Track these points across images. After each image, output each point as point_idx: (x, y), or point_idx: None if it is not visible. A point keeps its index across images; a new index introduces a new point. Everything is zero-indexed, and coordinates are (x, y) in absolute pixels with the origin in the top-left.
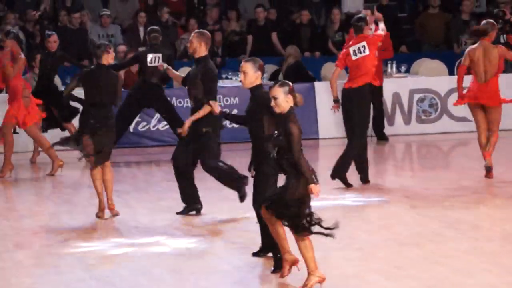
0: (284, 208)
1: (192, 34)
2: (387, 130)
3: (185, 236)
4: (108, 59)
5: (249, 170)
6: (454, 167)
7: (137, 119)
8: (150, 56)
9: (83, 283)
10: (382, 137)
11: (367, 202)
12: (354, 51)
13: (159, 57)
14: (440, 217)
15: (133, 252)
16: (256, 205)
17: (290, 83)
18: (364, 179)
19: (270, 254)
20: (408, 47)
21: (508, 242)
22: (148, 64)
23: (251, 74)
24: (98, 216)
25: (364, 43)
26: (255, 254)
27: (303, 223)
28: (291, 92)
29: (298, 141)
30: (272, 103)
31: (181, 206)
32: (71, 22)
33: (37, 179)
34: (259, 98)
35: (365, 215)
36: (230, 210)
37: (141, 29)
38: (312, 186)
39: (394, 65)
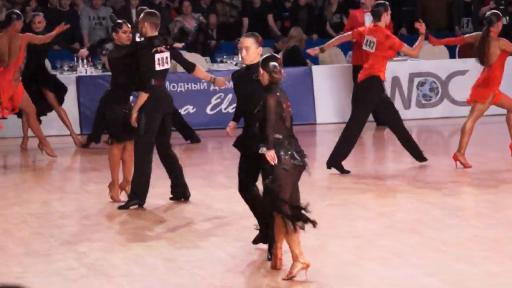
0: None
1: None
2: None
3: (178, 223)
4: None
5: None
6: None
7: None
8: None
9: (75, 271)
10: (381, 123)
11: (366, 189)
12: (366, 41)
13: None
14: (441, 204)
15: (125, 240)
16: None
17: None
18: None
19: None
20: (408, 29)
21: (510, 229)
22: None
23: (253, 49)
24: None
25: (375, 40)
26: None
27: (287, 214)
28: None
29: (273, 113)
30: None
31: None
32: (61, 4)
33: (27, 166)
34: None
35: (364, 202)
36: (225, 198)
37: (133, 11)
38: (266, 152)
39: None
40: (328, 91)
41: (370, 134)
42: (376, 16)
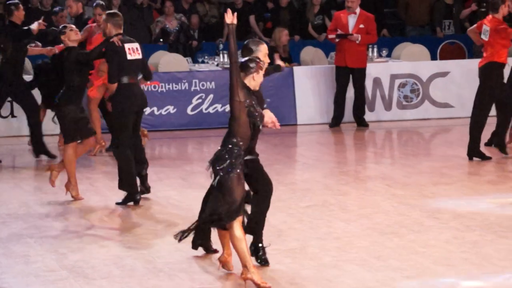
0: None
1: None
2: (367, 116)
3: (158, 225)
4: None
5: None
6: (436, 155)
7: None
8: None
9: (54, 272)
10: (362, 123)
11: (346, 190)
12: (483, 30)
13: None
14: (421, 206)
15: (105, 241)
16: None
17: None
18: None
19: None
20: (390, 31)
21: (489, 231)
22: None
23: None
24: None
25: (489, 29)
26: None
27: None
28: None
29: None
30: None
31: (162, 195)
32: (42, 3)
33: (6, 166)
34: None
35: (343, 203)
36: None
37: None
38: None
39: (375, 49)
40: (309, 92)
41: (351, 135)
42: (494, 8)
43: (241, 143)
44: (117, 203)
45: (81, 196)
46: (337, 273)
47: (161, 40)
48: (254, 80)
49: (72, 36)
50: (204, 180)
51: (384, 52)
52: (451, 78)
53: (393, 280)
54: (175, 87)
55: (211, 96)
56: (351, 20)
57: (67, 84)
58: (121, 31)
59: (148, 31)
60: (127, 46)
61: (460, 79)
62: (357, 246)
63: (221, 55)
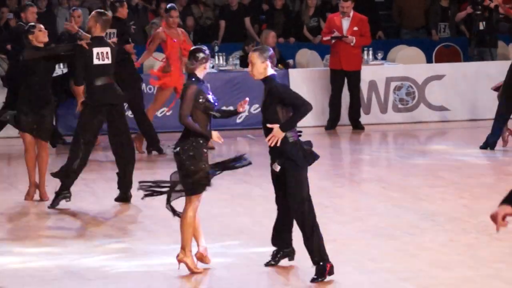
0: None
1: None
2: (363, 118)
3: (155, 225)
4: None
5: (272, 165)
6: (431, 157)
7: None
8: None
9: (49, 273)
10: (357, 126)
11: (341, 193)
12: None
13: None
14: (416, 209)
15: (101, 242)
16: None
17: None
18: None
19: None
20: (385, 34)
21: (484, 234)
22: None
23: (258, 64)
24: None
25: None
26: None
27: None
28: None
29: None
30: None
31: None
32: (37, 5)
33: (6, 168)
34: (272, 90)
35: (338, 206)
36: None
37: (110, 13)
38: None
39: (371, 52)
40: (305, 95)
41: (346, 137)
42: None
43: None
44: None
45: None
46: (332, 275)
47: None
48: (206, 69)
49: (40, 38)
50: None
51: (380, 55)
52: (447, 81)
53: (388, 282)
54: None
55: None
56: (345, 23)
57: (27, 84)
58: (104, 34)
59: (143, 32)
60: (95, 50)
61: (455, 82)
62: (352, 249)
63: (216, 57)
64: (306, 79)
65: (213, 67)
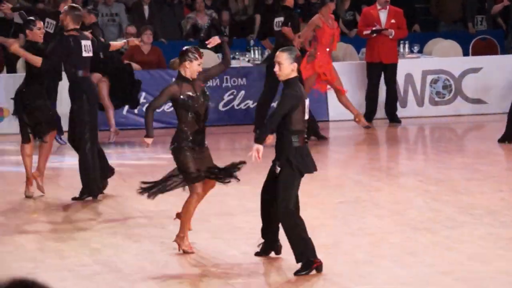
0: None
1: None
2: (400, 112)
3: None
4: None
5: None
6: (469, 151)
7: (142, 100)
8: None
9: (87, 267)
10: (394, 119)
11: (378, 186)
12: None
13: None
14: (454, 202)
15: (138, 236)
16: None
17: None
18: None
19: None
20: (421, 27)
21: None
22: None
23: (286, 65)
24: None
25: None
26: (257, 254)
27: None
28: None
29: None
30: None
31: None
32: (74, 1)
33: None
34: (282, 94)
35: (376, 199)
36: (237, 195)
37: (146, 8)
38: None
39: (407, 45)
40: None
41: (383, 131)
42: None
43: (185, 128)
44: (74, 199)
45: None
46: (370, 269)
47: (192, 36)
48: (187, 68)
49: (36, 37)
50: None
51: (416, 48)
52: (484, 74)
53: (427, 276)
54: (207, 83)
55: (242, 92)
56: (382, 15)
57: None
58: (78, 26)
59: (179, 27)
60: (83, 42)
61: (492, 74)
62: (390, 242)
63: (251, 51)
64: (342, 73)
65: (248, 61)
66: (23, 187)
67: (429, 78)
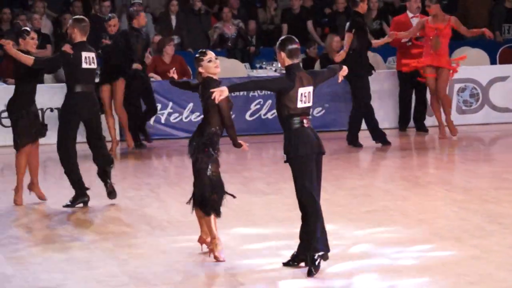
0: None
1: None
2: (427, 121)
3: (218, 230)
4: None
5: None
6: (497, 159)
7: (168, 110)
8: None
9: (115, 278)
10: (421, 128)
11: (406, 196)
12: None
13: None
14: (482, 211)
15: (166, 247)
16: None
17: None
18: None
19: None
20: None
21: None
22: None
23: (278, 55)
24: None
25: None
26: (286, 264)
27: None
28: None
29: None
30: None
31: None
32: (101, 11)
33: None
34: None
35: (403, 208)
36: (264, 204)
37: (173, 18)
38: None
39: None
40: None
41: (410, 139)
42: None
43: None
44: (65, 206)
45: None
46: (398, 279)
47: (219, 46)
48: (203, 69)
49: (29, 46)
50: (263, 186)
51: None
52: (511, 83)
53: (456, 285)
54: (234, 93)
55: (269, 101)
56: (415, 23)
57: (20, 90)
58: (85, 39)
59: (206, 37)
60: (84, 54)
61: None
62: (418, 252)
63: (278, 61)
64: (371, 81)
65: (275, 70)
66: (49, 197)
67: (457, 86)
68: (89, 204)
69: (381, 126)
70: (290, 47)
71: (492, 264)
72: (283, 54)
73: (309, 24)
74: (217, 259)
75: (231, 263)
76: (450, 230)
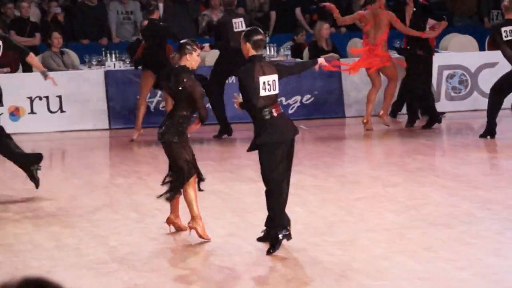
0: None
1: None
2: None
3: (206, 217)
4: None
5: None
6: (485, 146)
7: (157, 98)
8: (234, 21)
9: (105, 265)
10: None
11: (395, 182)
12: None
13: (241, 22)
14: (471, 197)
15: (154, 233)
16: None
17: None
18: None
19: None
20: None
21: None
22: (234, 30)
23: (242, 45)
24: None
25: None
26: (260, 239)
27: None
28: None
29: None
30: None
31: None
32: None
33: (56, 161)
34: None
35: (392, 195)
36: (253, 192)
37: (161, 6)
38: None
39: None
40: (357, 85)
41: (399, 126)
42: None
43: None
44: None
45: None
46: (388, 265)
47: (208, 33)
48: (188, 60)
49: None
50: (252, 173)
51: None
52: (500, 69)
53: (445, 271)
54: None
55: None
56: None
57: None
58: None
59: (195, 24)
60: None
61: (508, 69)
62: (407, 238)
63: (267, 48)
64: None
65: (264, 57)
66: (40, 186)
67: (445, 73)
68: (78, 192)
69: (361, 114)
70: (255, 38)
71: (480, 249)
72: (248, 45)
73: (298, 11)
74: (202, 237)
75: (220, 249)
76: (439, 216)
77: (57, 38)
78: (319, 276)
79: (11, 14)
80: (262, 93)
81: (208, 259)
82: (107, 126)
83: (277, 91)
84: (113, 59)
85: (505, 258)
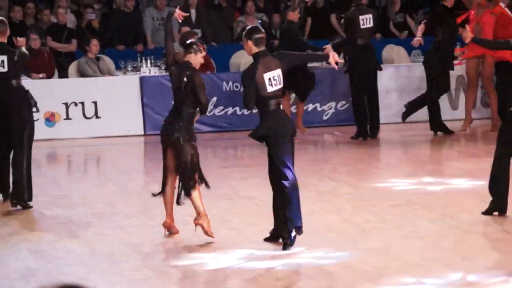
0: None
1: None
2: (452, 114)
3: (241, 223)
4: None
5: None
6: None
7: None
8: (362, 18)
9: (138, 272)
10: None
11: (429, 189)
12: None
13: (369, 18)
14: (508, 205)
15: (189, 241)
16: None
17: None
18: None
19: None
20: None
21: None
22: (361, 27)
23: (244, 44)
24: None
25: None
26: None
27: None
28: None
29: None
30: None
31: (237, 194)
32: (126, 4)
33: (91, 166)
34: None
35: (428, 202)
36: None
37: (193, 12)
38: None
39: (458, 47)
40: (394, 90)
41: (432, 133)
42: None
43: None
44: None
45: None
46: (422, 273)
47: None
48: (192, 59)
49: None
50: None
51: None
52: None
53: (480, 279)
54: (230, 88)
55: (293, 95)
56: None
57: None
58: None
59: (230, 30)
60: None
61: None
62: (442, 245)
63: None
64: (394, 75)
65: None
66: (73, 192)
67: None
68: (112, 198)
69: (400, 120)
70: (257, 36)
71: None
72: (250, 43)
73: (333, 17)
74: (207, 233)
75: (254, 256)
76: (474, 223)
77: (95, 45)
78: (353, 284)
79: (47, 21)
80: (269, 89)
81: (244, 267)
82: (142, 132)
83: (282, 85)
84: (148, 65)
85: None
